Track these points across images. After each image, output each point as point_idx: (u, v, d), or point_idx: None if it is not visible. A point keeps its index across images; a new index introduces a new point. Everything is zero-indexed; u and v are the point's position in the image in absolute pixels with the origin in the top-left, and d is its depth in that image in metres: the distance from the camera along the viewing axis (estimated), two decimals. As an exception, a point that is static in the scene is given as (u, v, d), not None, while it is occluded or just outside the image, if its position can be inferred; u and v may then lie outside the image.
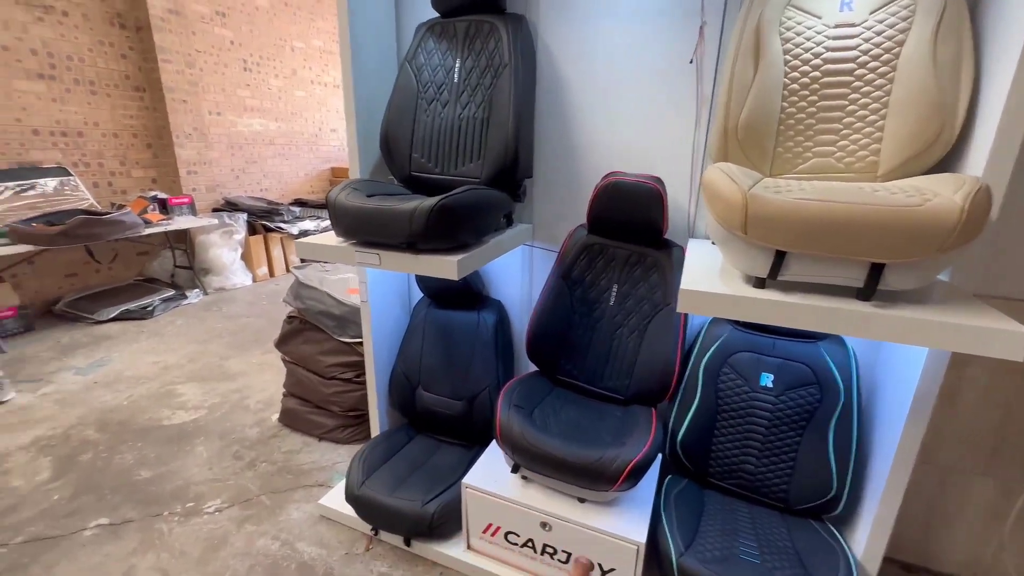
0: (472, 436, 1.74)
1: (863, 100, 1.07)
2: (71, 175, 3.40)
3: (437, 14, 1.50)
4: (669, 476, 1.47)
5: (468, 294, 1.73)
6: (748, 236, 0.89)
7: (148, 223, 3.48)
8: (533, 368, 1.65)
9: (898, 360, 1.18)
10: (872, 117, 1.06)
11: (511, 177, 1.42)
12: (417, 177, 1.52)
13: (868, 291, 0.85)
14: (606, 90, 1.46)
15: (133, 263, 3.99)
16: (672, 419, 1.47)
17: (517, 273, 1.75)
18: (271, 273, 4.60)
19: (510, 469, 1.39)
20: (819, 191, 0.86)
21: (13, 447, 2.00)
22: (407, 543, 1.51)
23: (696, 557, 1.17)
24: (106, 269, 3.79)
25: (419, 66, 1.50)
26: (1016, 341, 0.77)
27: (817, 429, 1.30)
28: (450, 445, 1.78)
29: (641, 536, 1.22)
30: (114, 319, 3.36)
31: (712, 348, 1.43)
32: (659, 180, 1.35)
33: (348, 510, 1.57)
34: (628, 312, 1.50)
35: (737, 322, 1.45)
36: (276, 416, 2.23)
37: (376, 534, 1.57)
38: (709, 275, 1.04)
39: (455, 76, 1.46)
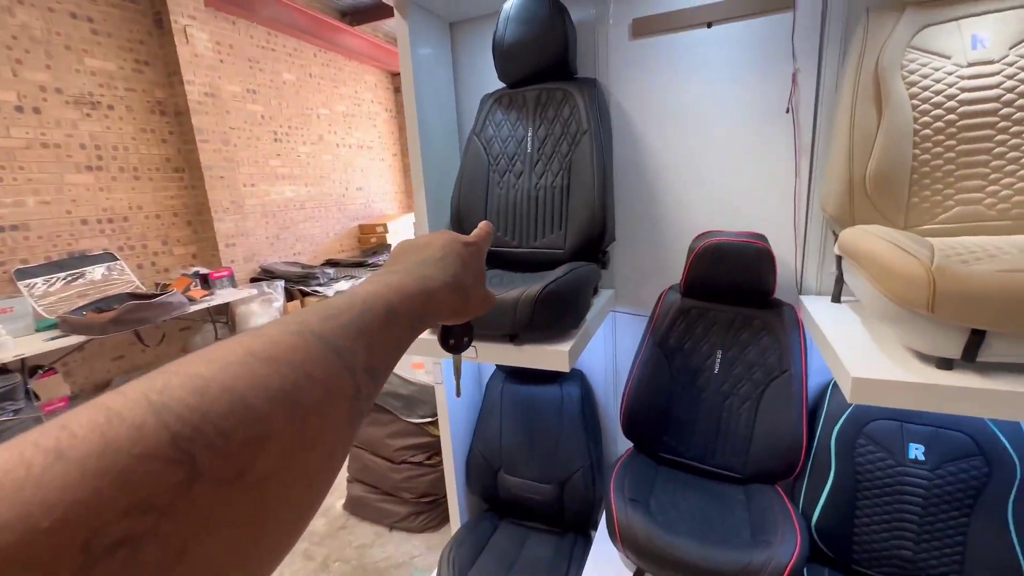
0: (563, 523, 1.58)
1: (1013, 141, 0.96)
2: (117, 259, 3.45)
3: (502, 84, 1.46)
4: (805, 566, 1.29)
5: (549, 367, 1.61)
6: (935, 315, 0.77)
7: (192, 300, 3.48)
8: (626, 445, 1.51)
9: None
10: (1026, 159, 0.95)
11: (598, 245, 1.33)
12: (494, 252, 1.44)
13: (1105, 374, 0.71)
14: (691, 146, 1.38)
15: (175, 339, 3.99)
16: (802, 499, 1.30)
17: (599, 340, 1.63)
18: (310, 337, 4.56)
19: (632, 573, 1.23)
20: (1022, 260, 0.74)
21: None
22: (514, 661, 1.34)
23: None
24: (152, 349, 3.80)
25: (488, 139, 1.44)
26: None
27: (989, 509, 1.12)
28: (539, 533, 1.62)
29: (809, 658, 1.04)
30: (162, 401, 3.31)
31: (843, 416, 1.27)
32: (764, 238, 1.25)
33: (440, 620, 1.42)
34: (737, 380, 1.36)
35: (866, 385, 1.30)
36: (341, 503, 2.11)
37: (476, 649, 1.41)
38: (869, 353, 0.91)
39: (528, 146, 1.40)
